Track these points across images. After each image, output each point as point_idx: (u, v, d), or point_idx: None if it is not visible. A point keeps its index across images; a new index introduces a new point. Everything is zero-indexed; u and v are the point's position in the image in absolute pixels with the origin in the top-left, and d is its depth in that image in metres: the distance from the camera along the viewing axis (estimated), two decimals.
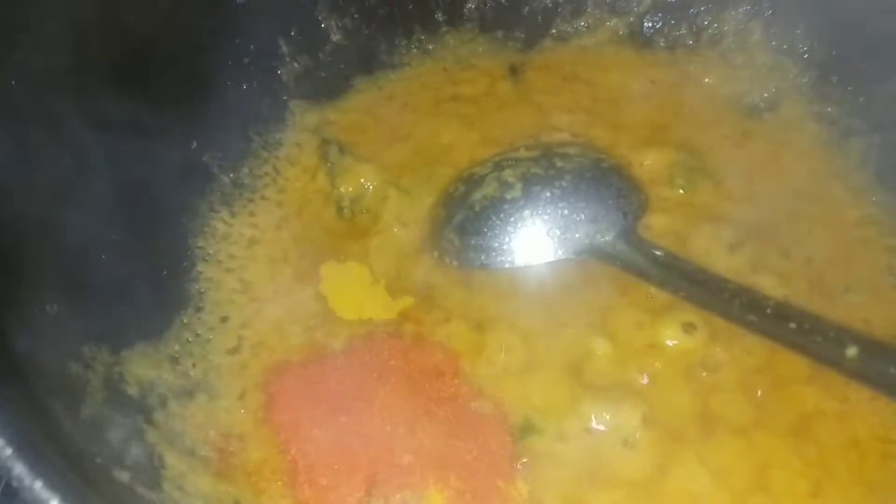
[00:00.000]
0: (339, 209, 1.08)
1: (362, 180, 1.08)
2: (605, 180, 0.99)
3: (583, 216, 0.95)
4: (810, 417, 0.87)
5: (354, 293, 1.00)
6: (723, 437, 0.87)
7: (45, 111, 0.86)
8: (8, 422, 0.58)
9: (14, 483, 0.52)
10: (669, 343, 0.92)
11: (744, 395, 0.90)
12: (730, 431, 0.88)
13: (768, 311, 0.82)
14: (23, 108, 0.84)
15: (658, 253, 0.92)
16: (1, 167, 0.80)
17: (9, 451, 0.54)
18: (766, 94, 1.16)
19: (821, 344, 0.80)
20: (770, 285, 0.96)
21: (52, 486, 0.54)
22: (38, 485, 0.52)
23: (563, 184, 0.97)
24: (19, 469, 0.52)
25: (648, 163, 1.09)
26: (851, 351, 0.77)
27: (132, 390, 0.85)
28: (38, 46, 0.85)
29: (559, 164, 0.98)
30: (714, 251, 1.00)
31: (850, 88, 1.12)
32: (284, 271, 1.03)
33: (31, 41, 0.84)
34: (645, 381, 0.90)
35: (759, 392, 0.90)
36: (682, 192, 1.06)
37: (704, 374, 0.91)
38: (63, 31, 0.88)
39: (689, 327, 0.92)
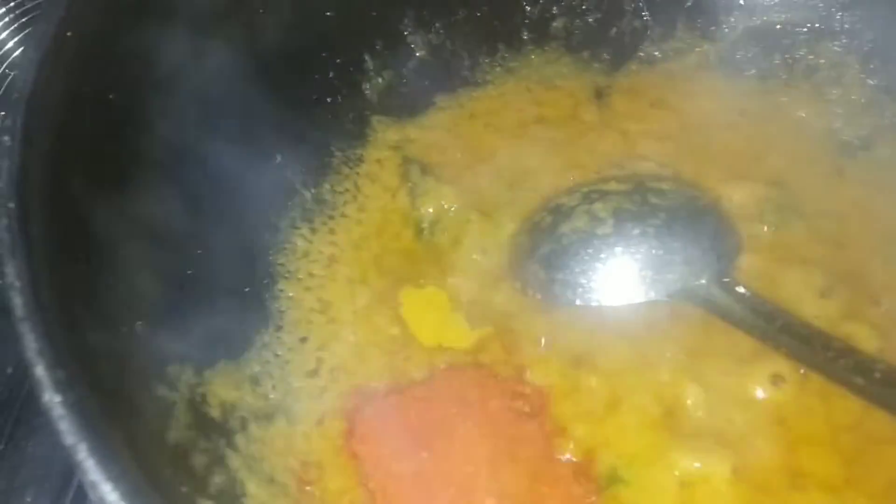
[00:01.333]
0: (419, 231, 1.07)
1: (443, 202, 1.07)
2: (700, 220, 0.96)
3: (676, 257, 0.93)
4: None
5: (433, 319, 0.99)
6: (812, 493, 0.85)
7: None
8: (111, 460, 0.57)
9: None
10: (759, 395, 0.89)
11: (834, 451, 0.87)
12: (819, 488, 0.85)
13: (878, 374, 0.79)
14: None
15: (755, 301, 0.89)
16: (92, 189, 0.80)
17: (115, 496, 0.53)
18: (861, 132, 1.12)
19: None
20: (862, 335, 0.93)
21: None
22: None
23: (657, 222, 0.94)
24: None
25: (737, 197, 1.05)
26: None
27: (215, 412, 0.85)
28: None
29: (653, 200, 0.96)
30: (804, 296, 0.96)
31: None
32: (363, 292, 1.01)
33: None
34: (734, 431, 0.87)
35: (851, 449, 0.87)
36: (772, 230, 1.03)
37: (795, 427, 0.88)
38: None
39: (777, 378, 0.89)
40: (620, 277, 0.94)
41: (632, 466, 0.86)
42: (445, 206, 1.07)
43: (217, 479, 0.78)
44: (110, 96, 0.83)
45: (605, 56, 1.23)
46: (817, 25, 1.18)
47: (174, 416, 0.79)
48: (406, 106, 1.17)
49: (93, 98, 0.80)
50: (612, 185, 1.00)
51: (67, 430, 0.55)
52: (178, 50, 0.91)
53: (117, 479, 0.54)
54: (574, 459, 0.86)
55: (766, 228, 1.03)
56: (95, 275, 0.77)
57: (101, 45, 0.82)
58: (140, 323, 0.81)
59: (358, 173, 1.11)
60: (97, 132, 0.80)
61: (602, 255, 0.94)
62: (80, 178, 0.76)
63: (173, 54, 0.90)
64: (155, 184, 0.88)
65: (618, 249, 0.94)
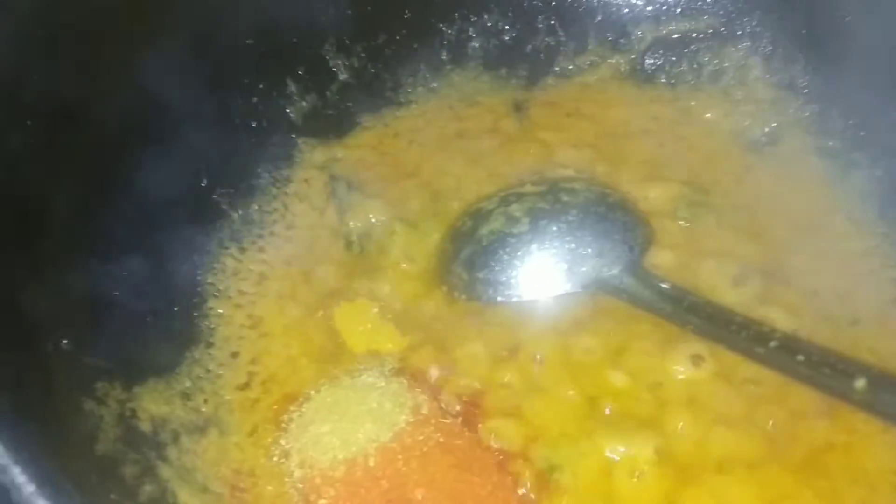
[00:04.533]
0: (348, 244, 1.09)
1: (370, 216, 1.10)
2: (610, 214, 1.00)
3: (589, 250, 0.96)
4: (822, 451, 0.87)
5: (364, 328, 1.01)
6: (735, 470, 0.87)
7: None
8: (30, 460, 0.58)
9: None
10: (679, 375, 0.92)
11: (755, 428, 0.90)
12: (742, 465, 0.87)
13: (775, 343, 0.83)
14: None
15: (664, 286, 0.93)
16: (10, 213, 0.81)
17: (31, 489, 0.54)
18: (767, 129, 1.18)
19: (829, 376, 0.80)
20: (777, 318, 0.96)
21: None
22: None
23: (570, 218, 0.98)
24: None
25: (652, 197, 1.10)
26: (860, 383, 0.78)
27: (145, 426, 0.86)
28: None
29: (565, 198, 1.00)
30: (719, 285, 1.00)
31: (850, 122, 1.13)
32: (294, 307, 1.03)
33: None
34: (655, 413, 0.90)
35: (771, 423, 0.90)
36: (685, 225, 1.07)
37: (715, 406, 0.91)
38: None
39: (697, 359, 0.92)
40: (537, 273, 0.97)
41: (561, 454, 0.88)
42: (373, 220, 1.10)
43: (147, 489, 0.79)
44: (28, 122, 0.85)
45: (523, 72, 1.28)
46: (721, 31, 1.23)
47: (102, 430, 0.80)
48: (331, 127, 1.20)
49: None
50: (528, 188, 1.03)
51: None
52: (103, 78, 0.94)
53: (27, 462, 0.55)
54: (505, 449, 0.88)
55: (680, 224, 1.07)
56: (19, 293, 0.78)
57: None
58: (66, 342, 0.82)
59: (286, 193, 1.14)
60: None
61: (519, 253, 0.97)
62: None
63: (99, 82, 0.93)
64: (81, 208, 0.90)
65: (534, 246, 0.97)
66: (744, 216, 1.09)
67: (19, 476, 0.55)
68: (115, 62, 0.96)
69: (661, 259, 1.03)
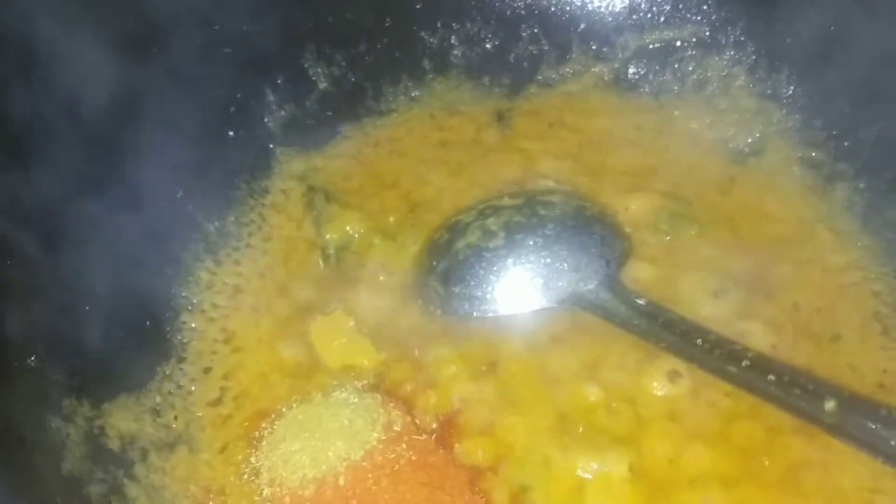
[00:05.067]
0: (325, 257, 1.08)
1: (348, 228, 1.09)
2: (587, 228, 0.99)
3: (565, 265, 0.95)
4: (797, 468, 0.87)
5: (340, 343, 1.00)
6: (710, 487, 0.86)
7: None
8: None
9: None
10: (657, 392, 0.91)
11: (732, 445, 0.89)
12: (717, 482, 0.87)
13: (746, 363, 0.82)
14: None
15: (640, 302, 0.92)
16: None
17: None
18: (750, 139, 1.17)
19: (799, 397, 0.79)
20: (757, 333, 0.96)
21: None
22: None
23: (546, 232, 0.97)
24: None
25: (633, 208, 1.09)
26: (830, 405, 0.77)
27: (113, 444, 0.85)
28: None
29: (542, 211, 0.98)
30: (699, 298, 1.00)
31: (834, 133, 1.13)
32: (268, 321, 1.02)
33: None
34: (631, 429, 0.89)
35: (747, 441, 0.89)
36: (667, 238, 1.06)
37: (691, 422, 0.90)
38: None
39: (674, 375, 0.92)
40: (513, 287, 0.96)
41: (534, 470, 0.88)
42: (350, 232, 1.09)
43: None
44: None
45: (505, 81, 1.27)
46: (705, 40, 1.23)
47: (68, 449, 0.80)
48: (310, 136, 1.19)
49: None
50: (506, 201, 1.02)
51: None
52: (75, 85, 0.93)
53: None
54: (477, 466, 0.87)
55: (661, 237, 1.06)
56: None
57: None
58: (32, 359, 0.81)
59: (263, 204, 1.13)
60: None
61: (494, 268, 0.96)
62: None
63: (70, 88, 0.92)
64: (51, 217, 0.89)
65: (509, 261, 0.96)
66: (725, 228, 1.08)
67: None
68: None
69: (640, 271, 1.02)
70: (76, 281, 0.90)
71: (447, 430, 0.91)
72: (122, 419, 0.88)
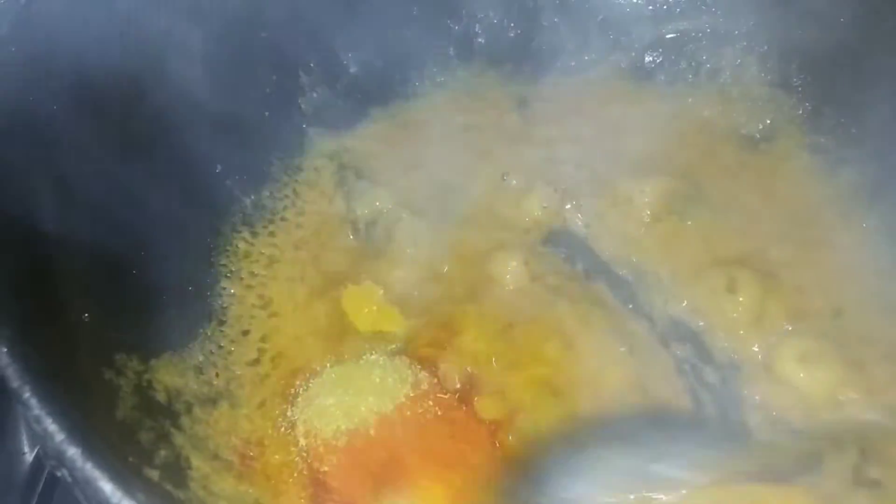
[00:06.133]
0: (356, 231, 1.14)
1: (378, 204, 1.14)
2: None
3: None
4: None
5: (370, 310, 1.06)
6: None
7: (76, 138, 0.92)
8: (60, 413, 0.63)
9: (67, 464, 0.58)
10: None
11: None
12: None
13: None
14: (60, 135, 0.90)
15: None
16: (37, 188, 0.86)
17: (62, 437, 0.59)
18: (761, 126, 1.22)
19: None
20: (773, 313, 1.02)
21: (101, 466, 0.59)
22: (88, 465, 0.58)
23: None
24: (72, 451, 0.58)
25: (648, 191, 1.14)
26: None
27: (160, 396, 0.90)
28: None
29: None
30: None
31: (842, 120, 1.17)
32: (303, 289, 1.08)
33: None
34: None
35: None
36: (679, 220, 1.11)
37: None
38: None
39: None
40: None
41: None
42: (379, 207, 1.14)
43: (163, 453, 0.83)
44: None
45: (527, 68, 1.32)
46: (719, 31, 1.28)
47: (121, 398, 0.85)
48: (341, 118, 1.25)
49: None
50: None
51: (12, 376, 0.61)
52: (124, 67, 0.99)
53: (57, 415, 0.60)
54: (497, 421, 0.93)
55: (674, 219, 1.12)
56: (47, 273, 0.83)
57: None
58: (87, 315, 0.87)
59: (297, 180, 1.18)
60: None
61: None
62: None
63: (116, 72, 0.98)
64: (102, 191, 0.94)
65: None
66: (736, 210, 1.13)
67: (51, 426, 0.60)
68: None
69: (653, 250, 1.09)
70: (125, 247, 0.95)
71: (468, 389, 0.96)
72: (168, 375, 0.93)
